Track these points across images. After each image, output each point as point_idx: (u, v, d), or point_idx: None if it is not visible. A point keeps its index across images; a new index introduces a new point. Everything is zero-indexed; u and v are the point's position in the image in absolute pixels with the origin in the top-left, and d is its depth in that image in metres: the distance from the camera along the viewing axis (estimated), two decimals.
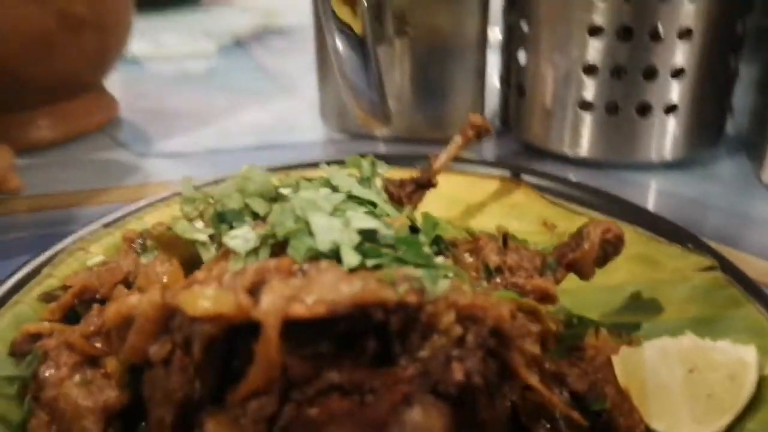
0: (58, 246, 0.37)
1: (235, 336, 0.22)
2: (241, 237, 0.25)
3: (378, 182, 0.32)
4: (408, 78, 0.65)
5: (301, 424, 0.21)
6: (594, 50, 0.56)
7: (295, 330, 0.21)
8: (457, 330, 0.22)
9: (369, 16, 0.54)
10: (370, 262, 0.23)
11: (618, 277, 0.37)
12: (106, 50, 0.69)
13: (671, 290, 0.34)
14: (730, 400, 0.26)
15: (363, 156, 0.34)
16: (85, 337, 0.29)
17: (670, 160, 0.59)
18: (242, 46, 1.09)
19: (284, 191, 0.28)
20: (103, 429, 0.25)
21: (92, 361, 0.28)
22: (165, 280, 0.27)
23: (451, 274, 0.24)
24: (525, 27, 0.60)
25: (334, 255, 0.23)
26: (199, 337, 0.21)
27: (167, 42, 1.10)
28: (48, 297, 0.34)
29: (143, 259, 0.33)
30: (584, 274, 0.32)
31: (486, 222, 0.41)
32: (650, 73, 0.55)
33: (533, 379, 0.23)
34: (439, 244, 0.30)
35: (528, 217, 0.43)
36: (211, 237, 0.29)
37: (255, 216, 0.28)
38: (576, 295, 0.37)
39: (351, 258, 0.22)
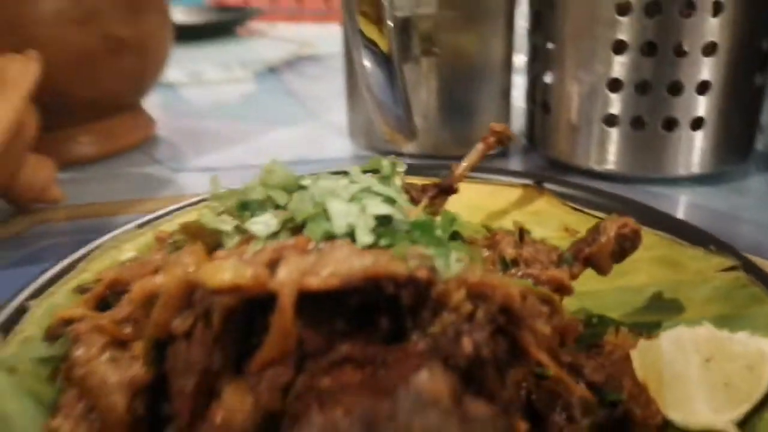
0: (94, 244, 0.39)
1: (253, 309, 0.23)
2: (262, 222, 0.26)
3: (398, 181, 0.33)
4: (434, 96, 0.66)
5: (314, 393, 0.21)
6: (619, 66, 0.56)
7: (310, 304, 0.22)
8: (468, 307, 0.22)
9: (394, 35, 0.56)
10: (383, 242, 0.23)
11: (639, 279, 0.37)
12: (145, 72, 0.72)
13: (692, 290, 0.34)
14: (748, 390, 0.26)
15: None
16: (115, 322, 0.30)
17: (699, 175, 0.59)
18: (275, 73, 1.13)
19: (305, 183, 0.29)
20: (128, 403, 0.26)
21: (121, 344, 0.29)
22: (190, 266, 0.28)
23: (463, 256, 0.24)
24: (550, 45, 0.61)
25: (350, 237, 0.24)
26: (218, 308, 0.22)
27: (203, 71, 1.14)
28: (82, 289, 0.36)
29: (173, 256, 0.34)
30: (601, 269, 0.32)
31: (507, 227, 0.41)
32: (676, 89, 0.55)
33: (543, 357, 0.23)
34: (456, 239, 0.31)
35: (550, 223, 0.43)
36: (236, 229, 0.30)
37: (277, 207, 0.29)
38: (597, 296, 0.37)
39: (365, 237, 0.23)
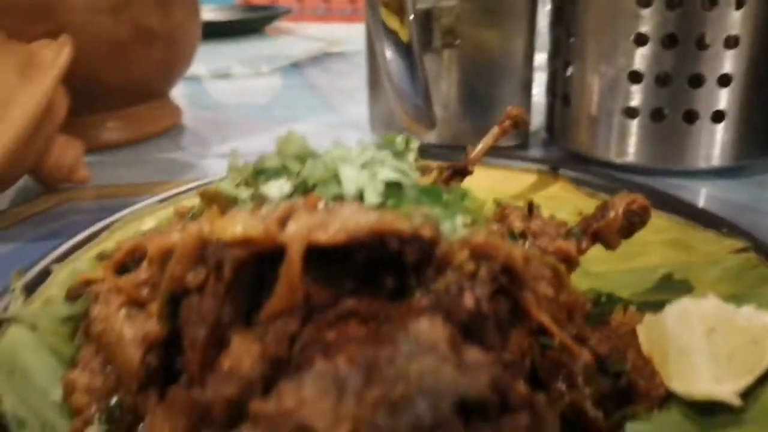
0: (116, 215, 0.40)
1: (263, 265, 0.24)
2: (276, 186, 0.27)
3: (411, 157, 0.34)
4: (455, 88, 0.66)
5: (319, 344, 0.22)
6: (640, 58, 0.56)
7: (317, 259, 0.23)
8: (471, 266, 0.23)
9: (415, 26, 0.57)
10: (391, 203, 0.24)
11: (651, 261, 0.37)
12: (174, 62, 0.74)
13: (703, 271, 0.34)
14: (752, 362, 0.26)
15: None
16: (133, 285, 0.31)
17: (719, 168, 0.58)
18: (299, 69, 1.15)
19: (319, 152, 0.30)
20: (142, 356, 0.27)
21: (138, 305, 0.31)
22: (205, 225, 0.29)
23: (468, 219, 0.25)
24: (571, 38, 0.61)
25: (359, 200, 0.25)
26: (229, 260, 0.23)
27: (229, 66, 1.16)
28: (103, 256, 0.37)
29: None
30: (609, 244, 0.32)
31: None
32: (697, 81, 0.55)
33: (545, 318, 0.23)
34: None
35: (565, 208, 0.43)
36: (251, 196, 0.31)
37: (291, 175, 0.30)
38: (607, 277, 0.37)
39: (373, 198, 0.24)
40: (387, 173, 0.26)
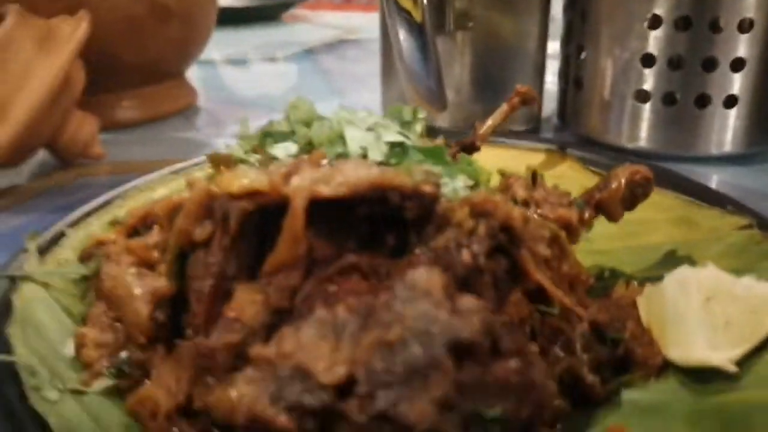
0: (130, 184, 0.41)
1: (268, 221, 0.24)
2: (283, 147, 0.28)
3: (418, 128, 0.34)
4: (468, 71, 0.66)
5: (320, 296, 0.23)
6: (653, 41, 0.56)
7: (321, 215, 0.23)
8: (470, 223, 0.23)
9: (428, 7, 0.57)
10: (393, 161, 0.24)
11: (656, 239, 0.37)
12: (190, 41, 0.75)
13: (706, 248, 0.34)
14: (749, 331, 0.26)
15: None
16: (144, 247, 0.32)
17: (731, 154, 0.58)
18: (312, 54, 1.15)
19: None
20: (151, 310, 0.27)
21: (148, 266, 0.31)
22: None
23: (470, 182, 0.25)
24: (584, 22, 0.61)
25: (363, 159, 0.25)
26: (235, 212, 0.23)
27: (244, 51, 1.17)
28: (115, 223, 0.38)
29: None
30: (611, 215, 0.32)
31: None
32: (710, 65, 0.55)
33: (542, 277, 0.24)
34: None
35: (572, 187, 0.43)
36: (259, 162, 0.31)
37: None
38: (612, 254, 0.37)
39: (377, 156, 0.24)
40: (391, 135, 0.26)
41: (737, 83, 0.55)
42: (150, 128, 0.72)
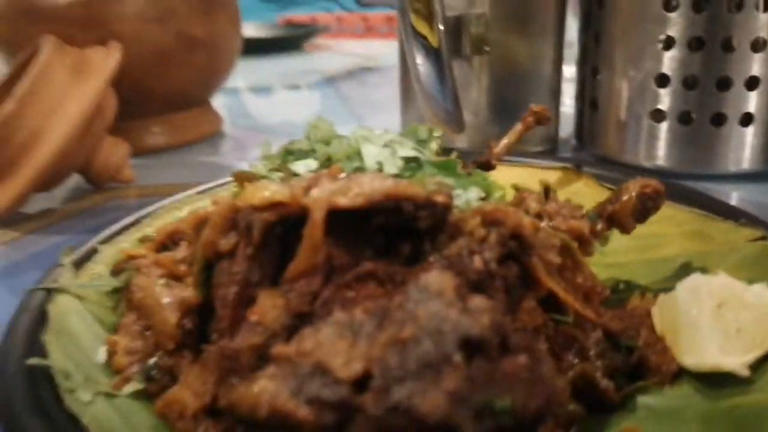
0: (158, 204, 0.43)
1: (289, 233, 0.25)
2: (303, 164, 0.29)
3: (434, 146, 0.36)
4: (485, 94, 0.68)
5: (339, 301, 0.24)
6: (667, 62, 0.57)
7: (339, 225, 0.25)
8: (481, 231, 0.24)
9: (444, 33, 0.59)
10: (407, 174, 0.26)
11: (670, 252, 0.38)
12: (215, 70, 0.77)
13: (720, 259, 0.35)
14: (761, 337, 0.26)
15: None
16: (172, 261, 0.34)
17: (749, 172, 0.58)
18: (333, 82, 1.18)
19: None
20: (179, 318, 0.29)
21: (176, 278, 0.33)
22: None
23: (482, 194, 0.26)
24: (598, 44, 0.62)
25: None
26: (258, 223, 0.25)
27: (266, 79, 1.21)
28: (145, 239, 0.40)
29: None
30: (624, 227, 0.33)
31: None
32: (724, 84, 0.56)
33: (553, 284, 0.25)
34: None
35: (588, 203, 0.44)
36: (282, 178, 0.33)
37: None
38: (627, 267, 0.38)
39: (391, 168, 0.26)
40: (406, 151, 0.28)
41: (752, 101, 0.56)
42: (177, 153, 0.75)
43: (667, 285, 0.36)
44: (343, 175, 0.26)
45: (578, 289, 0.31)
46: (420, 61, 0.59)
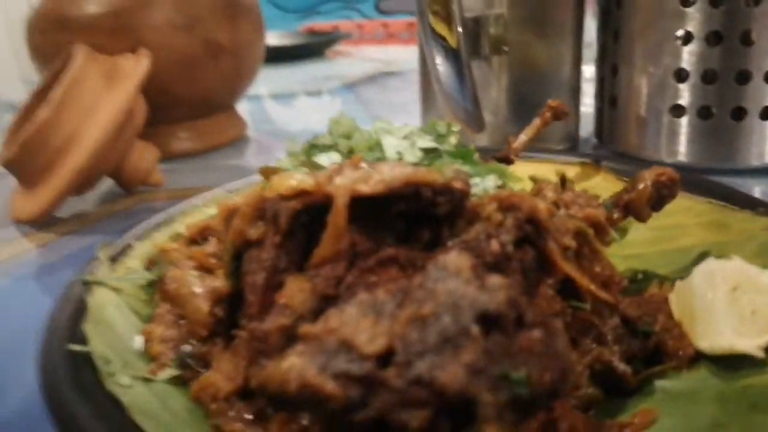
0: (189, 202, 0.45)
1: (314, 221, 0.27)
2: (327, 157, 0.30)
3: (453, 140, 0.37)
4: (504, 94, 0.69)
5: (362, 284, 0.25)
6: (685, 57, 0.57)
7: (361, 212, 0.26)
8: (498, 216, 0.25)
9: (463, 34, 0.60)
10: (426, 163, 0.27)
11: (688, 241, 0.38)
12: (240, 76, 0.79)
13: (738, 248, 0.35)
14: None
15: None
16: (203, 254, 0.35)
17: None
18: (355, 86, 1.20)
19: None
20: (211, 307, 0.30)
21: (207, 270, 0.34)
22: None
23: (499, 182, 0.27)
24: (617, 41, 0.63)
25: None
26: (285, 211, 0.26)
27: (289, 85, 1.23)
28: (176, 236, 0.41)
29: None
30: (640, 215, 0.34)
31: None
32: (743, 78, 0.56)
33: (569, 267, 0.25)
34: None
35: (607, 196, 0.45)
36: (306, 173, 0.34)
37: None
38: (645, 258, 0.39)
39: (411, 158, 0.27)
40: (425, 142, 0.29)
41: None
42: (204, 157, 0.77)
43: (685, 274, 0.36)
44: (364, 164, 0.27)
45: (596, 278, 0.32)
46: (439, 62, 0.61)
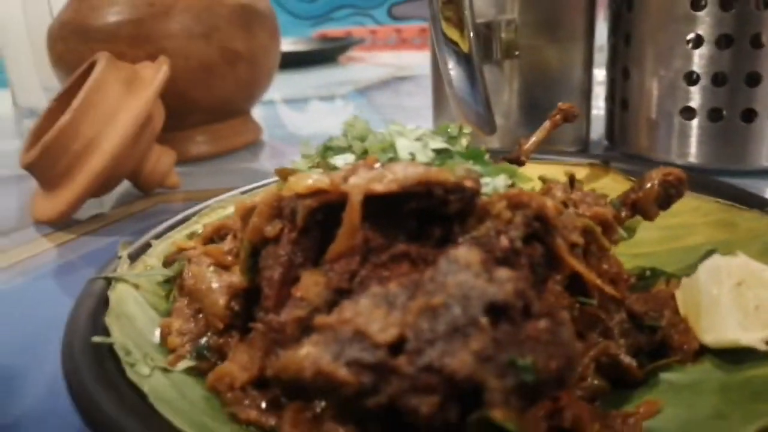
0: (205, 203, 0.46)
1: (329, 219, 0.28)
2: (342, 158, 0.31)
3: (464, 142, 0.37)
4: (516, 97, 0.70)
5: (375, 279, 0.26)
6: (696, 60, 0.58)
7: (375, 211, 0.27)
8: (507, 214, 0.26)
9: (475, 38, 0.61)
10: (438, 163, 0.28)
11: (696, 240, 0.39)
12: (255, 82, 0.81)
13: (745, 246, 0.36)
14: None
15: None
16: (220, 252, 0.36)
17: None
18: (368, 91, 1.21)
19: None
20: (228, 301, 0.31)
21: (224, 267, 0.35)
22: None
23: (509, 181, 0.28)
24: (628, 45, 0.63)
25: None
26: (301, 209, 0.27)
27: (302, 91, 1.25)
28: (193, 235, 0.42)
29: None
30: (647, 214, 0.34)
31: None
32: (753, 80, 0.56)
33: (576, 263, 0.26)
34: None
35: (615, 196, 0.46)
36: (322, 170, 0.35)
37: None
38: (653, 256, 0.39)
39: (423, 157, 0.28)
40: (437, 143, 0.30)
41: None
42: (219, 161, 0.78)
43: (692, 271, 0.37)
44: (378, 165, 0.28)
45: (604, 275, 0.33)
46: (452, 66, 0.61)
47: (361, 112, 1.06)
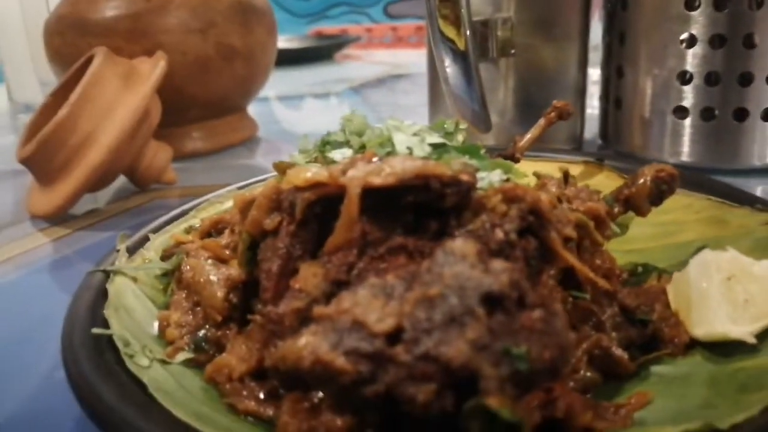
0: (203, 198, 0.46)
1: (327, 212, 0.28)
2: (340, 152, 0.32)
3: (460, 137, 0.38)
4: (511, 95, 0.70)
5: (372, 271, 0.26)
6: (690, 60, 0.58)
7: (373, 204, 0.27)
8: (502, 207, 0.26)
9: (471, 37, 0.61)
10: (434, 157, 0.28)
11: (688, 237, 0.39)
12: (252, 78, 0.81)
13: (735, 242, 0.36)
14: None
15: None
16: (218, 245, 0.37)
17: None
18: (363, 88, 1.22)
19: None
20: (226, 294, 0.31)
21: (222, 261, 0.36)
22: None
23: (505, 176, 0.28)
24: (622, 44, 0.64)
25: None
26: (300, 201, 0.27)
27: (297, 88, 1.25)
28: (191, 230, 0.43)
29: None
30: (639, 210, 0.35)
31: None
32: (746, 80, 0.57)
33: (569, 256, 0.27)
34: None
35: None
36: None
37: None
38: (645, 252, 0.40)
39: (420, 151, 0.28)
40: (434, 138, 0.30)
41: None
42: (216, 157, 0.79)
43: (683, 267, 0.37)
44: (376, 158, 0.28)
45: (597, 269, 0.33)
46: (448, 64, 0.62)
47: (356, 110, 1.07)
